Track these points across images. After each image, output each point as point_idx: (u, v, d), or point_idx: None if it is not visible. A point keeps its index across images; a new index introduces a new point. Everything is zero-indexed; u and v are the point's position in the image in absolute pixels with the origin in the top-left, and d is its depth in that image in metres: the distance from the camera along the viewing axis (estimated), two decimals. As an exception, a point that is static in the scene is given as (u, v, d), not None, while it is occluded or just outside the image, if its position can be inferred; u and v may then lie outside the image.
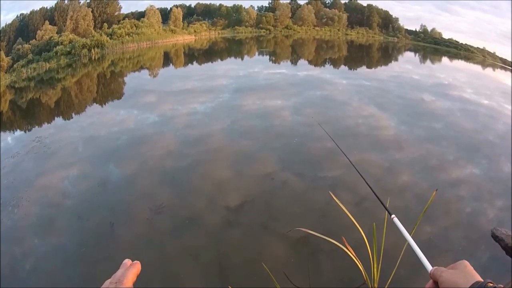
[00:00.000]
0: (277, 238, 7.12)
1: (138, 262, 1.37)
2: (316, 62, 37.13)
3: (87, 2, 44.82)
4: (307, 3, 69.12)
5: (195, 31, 57.14)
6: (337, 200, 4.63)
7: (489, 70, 49.15)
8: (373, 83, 24.29)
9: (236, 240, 7.06)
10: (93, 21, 43.98)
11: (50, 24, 40.30)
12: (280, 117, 15.05)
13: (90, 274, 6.23)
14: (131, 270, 1.31)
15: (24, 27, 40.24)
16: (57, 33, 39.47)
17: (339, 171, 10.18)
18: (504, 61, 61.46)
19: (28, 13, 41.17)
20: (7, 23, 39.59)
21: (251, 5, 66.60)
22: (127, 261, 1.37)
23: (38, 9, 41.49)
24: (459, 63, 50.21)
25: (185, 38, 53.76)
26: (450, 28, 78.95)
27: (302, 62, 37.44)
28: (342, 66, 35.72)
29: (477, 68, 48.80)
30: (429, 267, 1.43)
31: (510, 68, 56.32)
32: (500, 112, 20.06)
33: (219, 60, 37.67)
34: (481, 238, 7.64)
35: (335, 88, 21.74)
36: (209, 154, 11.28)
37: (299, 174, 10.02)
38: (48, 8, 42.10)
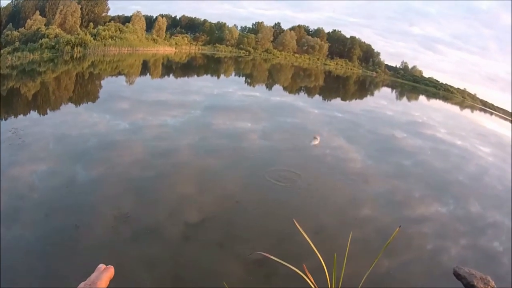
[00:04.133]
0: (233, 257, 7.17)
1: (112, 266, 1.42)
2: (291, 89, 37.57)
3: (78, -1, 44.84)
4: (290, 29, 69.59)
5: (176, 43, 57.32)
6: (300, 229, 4.64)
7: (467, 111, 50.04)
8: (345, 116, 24.61)
9: (192, 255, 7.06)
10: (80, 18, 43.91)
11: (40, 15, 40.36)
12: (248, 140, 15.10)
13: (51, 269, 6.21)
14: (105, 273, 1.37)
15: (17, 13, 40.27)
16: (45, 25, 39.46)
17: (306, 200, 10.26)
18: (484, 103, 62.49)
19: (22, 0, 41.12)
20: (2, 7, 39.46)
21: (235, 24, 67.03)
22: (101, 266, 1.41)
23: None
24: (437, 103, 50.94)
25: (165, 49, 53.92)
26: (431, 66, 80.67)
27: (277, 87, 38.01)
28: (317, 96, 36.37)
29: (454, 108, 49.76)
30: None
31: (490, 110, 57.31)
32: (473, 153, 20.40)
33: (195, 76, 38.28)
34: (442, 275, 7.71)
35: (306, 117, 21.96)
36: (175, 168, 11.30)
37: (259, 198, 10.04)
38: (42, -2, 42.10)
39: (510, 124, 50.04)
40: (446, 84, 68.25)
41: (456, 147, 21.08)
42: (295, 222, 4.63)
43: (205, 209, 8.92)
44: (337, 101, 35.64)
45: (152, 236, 7.46)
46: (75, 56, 37.07)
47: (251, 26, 69.73)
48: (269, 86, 37.28)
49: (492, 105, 63.19)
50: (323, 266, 4.39)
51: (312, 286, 4.41)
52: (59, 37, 37.39)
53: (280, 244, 7.69)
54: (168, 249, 7.15)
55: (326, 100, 34.47)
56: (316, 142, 13.56)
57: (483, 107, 61.47)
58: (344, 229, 6.07)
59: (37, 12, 40.13)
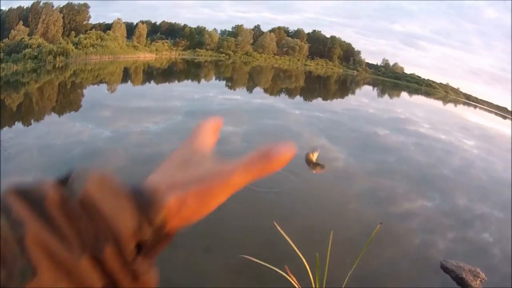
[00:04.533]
0: (219, 262, 7.21)
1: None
2: (272, 91, 37.51)
3: (60, 7, 44.61)
4: (270, 31, 69.55)
5: (156, 50, 57.14)
6: (281, 231, 4.65)
7: (450, 105, 50.34)
8: (326, 115, 24.57)
9: (178, 260, 7.01)
10: (62, 27, 43.75)
11: (23, 25, 40.11)
12: (229, 143, 14.91)
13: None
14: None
15: (2, 24, 39.89)
16: (28, 35, 39.27)
17: (289, 202, 10.36)
18: (468, 96, 62.82)
19: (6, 10, 40.95)
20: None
21: (215, 28, 67.00)
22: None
23: (16, 7, 41.25)
24: (419, 99, 51.25)
25: (146, 55, 53.77)
26: (413, 63, 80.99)
27: (258, 90, 38.05)
28: (298, 97, 36.48)
29: (437, 103, 49.98)
30: None
31: (474, 104, 57.62)
32: (458, 147, 20.53)
33: (176, 81, 38.33)
34: (430, 268, 7.76)
35: (287, 118, 21.95)
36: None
37: (243, 202, 10.04)
38: (25, 7, 41.91)
39: (494, 116, 50.48)
40: (428, 79, 68.40)
41: (440, 141, 21.16)
42: (276, 225, 4.68)
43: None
44: (318, 101, 35.60)
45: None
46: (57, 65, 36.84)
47: (230, 30, 69.81)
48: (250, 89, 37.32)
49: (476, 98, 63.38)
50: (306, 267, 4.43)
51: (296, 286, 4.45)
52: (42, 47, 37.23)
53: (264, 246, 7.61)
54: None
55: (307, 100, 34.52)
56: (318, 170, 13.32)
57: (466, 101, 61.68)
58: (328, 229, 6.15)
59: (21, 22, 39.96)
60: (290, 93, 37.22)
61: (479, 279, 7.41)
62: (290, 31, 72.73)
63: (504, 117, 50.69)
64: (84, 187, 0.54)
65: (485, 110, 55.59)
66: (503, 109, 56.12)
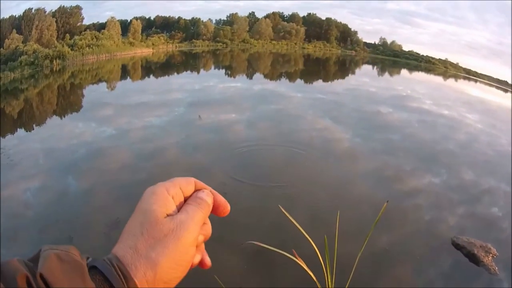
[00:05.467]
0: (230, 249, 7.19)
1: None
2: (272, 76, 37.26)
3: (52, 12, 44.41)
4: (265, 17, 69.15)
5: (153, 44, 56.77)
6: (287, 214, 4.64)
7: (451, 81, 49.97)
8: (328, 97, 24.52)
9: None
10: (56, 31, 43.59)
11: (17, 33, 39.86)
12: (233, 132, 15.11)
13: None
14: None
15: (-5, 34, 39.78)
16: (22, 42, 39.08)
17: (293, 184, 10.29)
18: (467, 71, 62.30)
19: (-1, 20, 40.84)
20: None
21: (209, 18, 66.59)
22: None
23: (8, 17, 41.03)
24: (419, 75, 50.80)
25: (143, 51, 53.47)
26: (410, 40, 79.75)
27: (258, 76, 37.73)
28: (298, 80, 36.15)
29: (438, 79, 49.60)
30: None
31: (474, 78, 57.30)
32: (461, 121, 20.43)
33: (175, 73, 37.73)
34: (441, 245, 7.74)
35: (289, 102, 21.88)
36: (163, 168, 11.28)
37: (251, 184, 10.09)
38: (17, 16, 41.66)
39: (495, 90, 50.25)
40: (427, 56, 67.65)
41: (443, 117, 21.09)
42: (281, 208, 4.67)
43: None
44: (319, 83, 35.59)
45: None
46: (54, 69, 36.62)
47: (225, 19, 69.32)
48: (250, 75, 37.05)
49: (476, 72, 62.84)
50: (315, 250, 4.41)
51: (304, 267, 4.43)
52: (37, 52, 37.10)
53: (272, 230, 7.75)
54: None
55: (308, 83, 34.32)
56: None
57: (466, 76, 61.14)
58: (335, 210, 6.11)
59: (14, 31, 39.66)
60: (290, 77, 37.07)
61: (491, 255, 7.40)
62: (285, 16, 72.16)
63: (505, 91, 50.25)
64: (43, 266, 0.70)
65: (486, 84, 55.17)
66: (504, 83, 55.59)
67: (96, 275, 0.80)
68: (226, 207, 1.13)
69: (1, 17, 40.23)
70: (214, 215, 1.11)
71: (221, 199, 1.11)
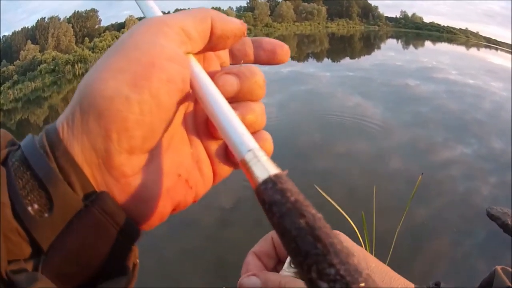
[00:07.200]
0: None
1: None
2: (299, 57, 36.70)
3: (67, 18, 44.70)
4: (285, 0, 69.13)
5: (175, 38, 57.01)
6: (324, 194, 4.59)
7: (473, 50, 49.29)
8: (356, 73, 24.16)
9: (231, 239, 7.00)
10: (74, 36, 43.82)
11: (32, 43, 40.05)
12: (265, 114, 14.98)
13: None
14: None
15: (8, 48, 39.94)
16: (39, 51, 39.25)
17: (328, 162, 10.21)
18: (488, 39, 61.53)
19: (11, 34, 41.01)
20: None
21: (230, 6, 66.69)
22: None
23: (20, 29, 41.32)
24: (442, 46, 50.34)
25: (166, 45, 53.65)
26: (430, 11, 78.98)
27: (285, 59, 37.24)
28: (325, 59, 36.18)
29: (461, 49, 48.97)
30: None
31: (495, 46, 56.59)
32: (486, 90, 20.13)
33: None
34: (476, 216, 7.65)
35: (319, 82, 21.66)
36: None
37: (288, 167, 10.03)
38: (30, 27, 41.93)
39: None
40: (448, 26, 66.63)
41: (469, 86, 20.74)
42: (317, 188, 4.62)
43: (232, 195, 8.86)
44: (346, 60, 34.91)
45: (187, 227, 7.46)
46: (77, 73, 36.81)
47: (246, 5, 69.04)
48: (277, 59, 36.64)
49: (496, 40, 61.80)
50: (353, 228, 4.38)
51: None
52: (57, 59, 37.33)
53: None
54: (206, 238, 7.12)
55: (335, 61, 34.25)
56: None
57: (487, 44, 60.17)
58: (372, 185, 6.03)
59: (29, 42, 39.63)
60: (317, 57, 36.62)
61: (524, 224, 7.29)
62: (305, -3, 72.09)
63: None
64: None
65: (507, 51, 54.44)
66: (523, 48, 55.10)
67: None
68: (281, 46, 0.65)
69: (13, 30, 40.67)
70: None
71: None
